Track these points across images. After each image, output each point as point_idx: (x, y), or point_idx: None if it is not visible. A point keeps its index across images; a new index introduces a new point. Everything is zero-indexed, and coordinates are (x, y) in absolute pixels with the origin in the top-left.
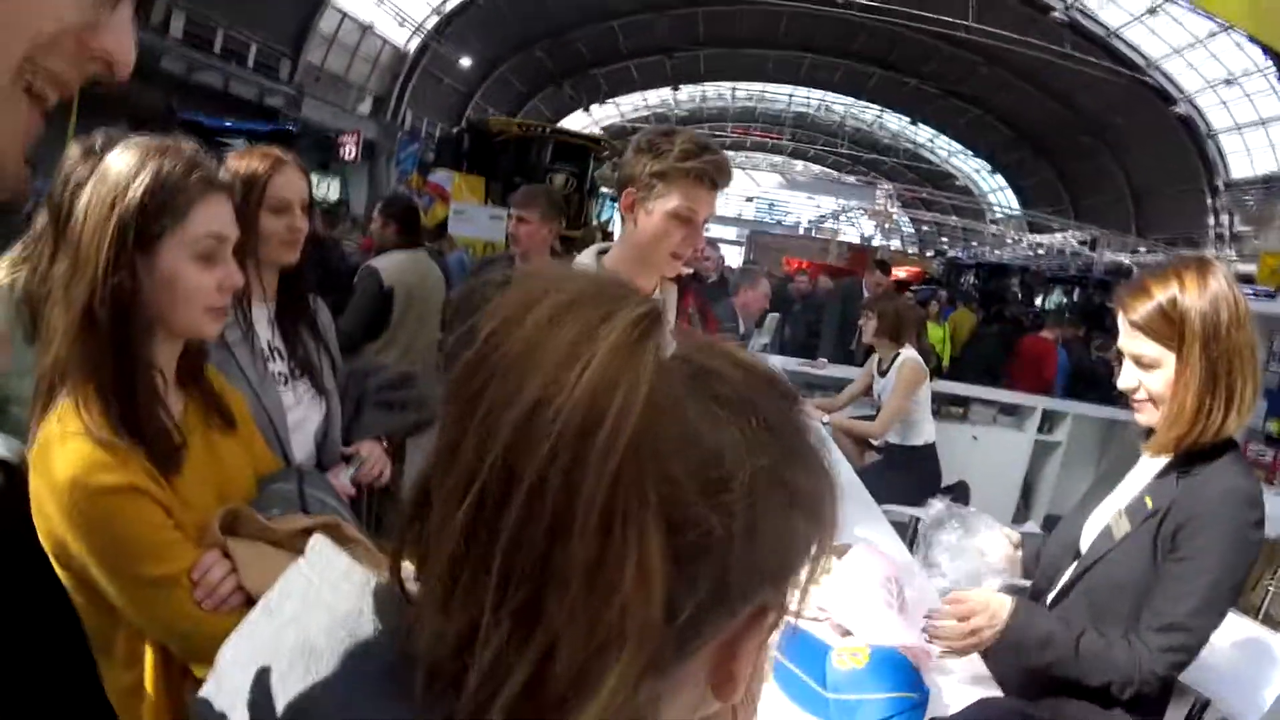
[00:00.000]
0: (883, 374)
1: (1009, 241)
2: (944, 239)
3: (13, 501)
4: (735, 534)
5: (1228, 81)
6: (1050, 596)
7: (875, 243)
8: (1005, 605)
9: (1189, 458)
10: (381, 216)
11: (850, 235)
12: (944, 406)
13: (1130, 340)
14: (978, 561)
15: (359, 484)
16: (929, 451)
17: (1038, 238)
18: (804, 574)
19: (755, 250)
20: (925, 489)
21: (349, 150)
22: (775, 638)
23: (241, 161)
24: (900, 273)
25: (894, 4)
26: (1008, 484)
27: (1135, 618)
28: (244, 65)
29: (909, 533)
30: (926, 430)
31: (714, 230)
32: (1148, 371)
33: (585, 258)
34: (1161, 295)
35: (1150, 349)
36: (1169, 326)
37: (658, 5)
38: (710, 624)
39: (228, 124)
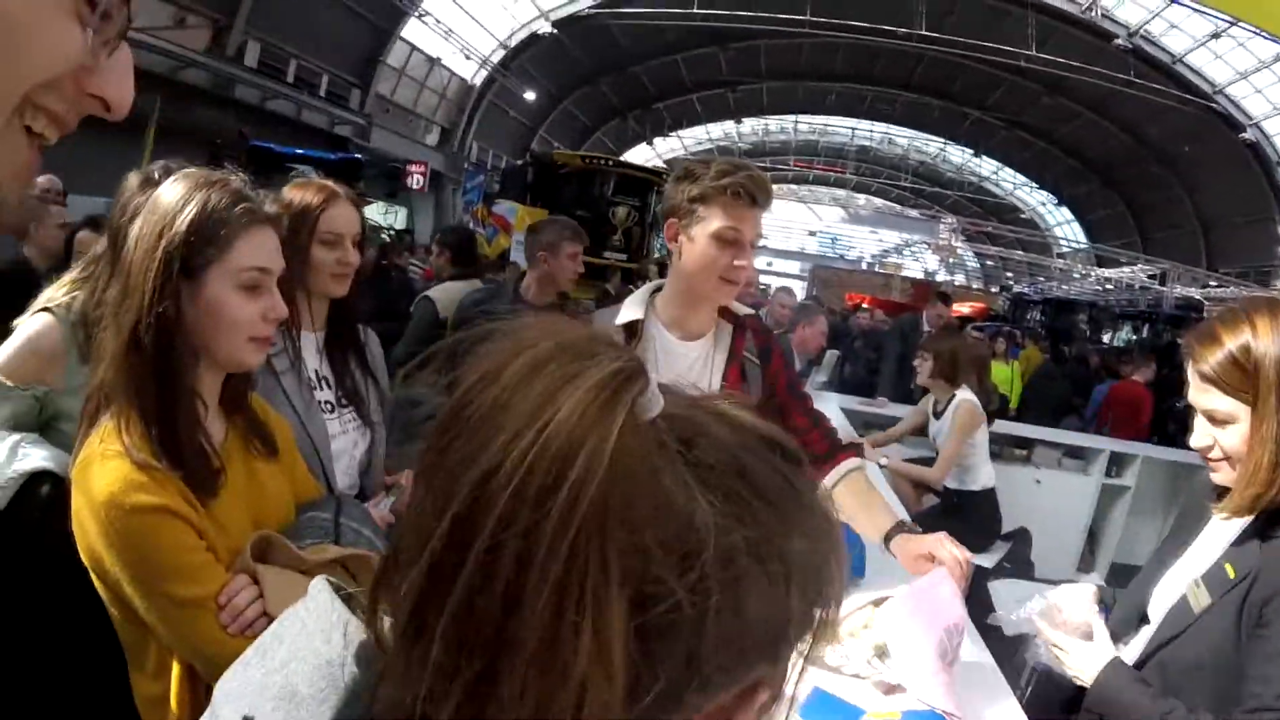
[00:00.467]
0: (938, 415)
1: (1076, 276)
2: (1009, 274)
3: (59, 512)
4: (711, 609)
5: None
6: None
7: (939, 278)
8: (1100, 658)
9: (1271, 519)
10: (438, 247)
11: (914, 270)
12: (1006, 448)
13: (1202, 395)
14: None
15: (398, 514)
16: (988, 496)
17: (1106, 272)
18: (806, 645)
19: (817, 285)
20: (984, 535)
21: (416, 180)
22: (783, 712)
23: (296, 194)
24: (964, 309)
25: (954, 34)
26: (1073, 530)
27: (1214, 699)
28: (315, 94)
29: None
30: (984, 475)
31: (776, 264)
32: (1222, 428)
33: (638, 297)
34: (1232, 343)
35: (1223, 404)
36: (1242, 377)
37: (720, 38)
38: (685, 704)
39: (298, 151)
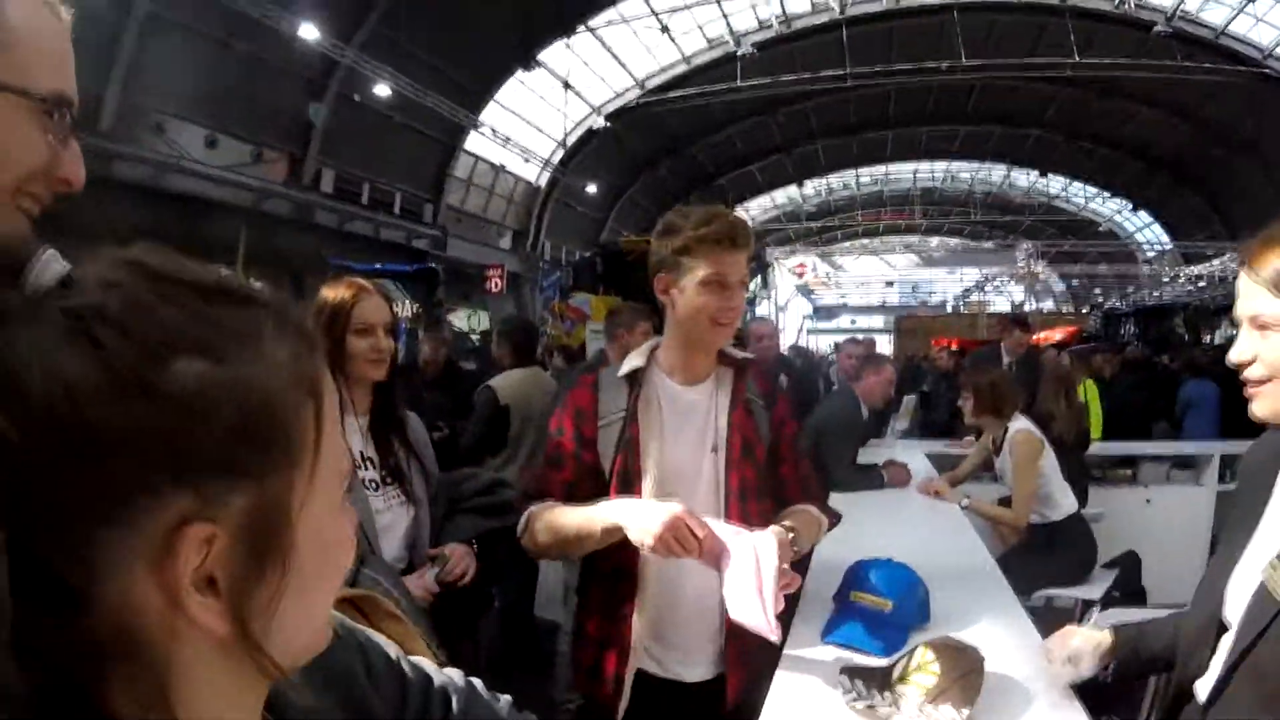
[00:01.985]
0: (998, 451)
1: (1166, 280)
2: (1097, 290)
3: None
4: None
5: None
6: (1205, 692)
7: (1026, 307)
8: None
9: None
10: (499, 339)
11: (1001, 304)
12: (1109, 470)
13: (1250, 300)
14: None
15: (443, 583)
16: (1075, 523)
17: (1196, 269)
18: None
19: (901, 335)
20: (1081, 566)
21: (494, 284)
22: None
23: (329, 293)
24: (1055, 334)
25: (998, 58)
26: (1194, 547)
27: None
28: (390, 212)
29: (1075, 616)
30: (1064, 502)
31: (860, 321)
32: (1266, 336)
33: (642, 350)
34: None
35: (1272, 306)
36: None
37: (768, 107)
38: (87, 561)
39: (376, 266)
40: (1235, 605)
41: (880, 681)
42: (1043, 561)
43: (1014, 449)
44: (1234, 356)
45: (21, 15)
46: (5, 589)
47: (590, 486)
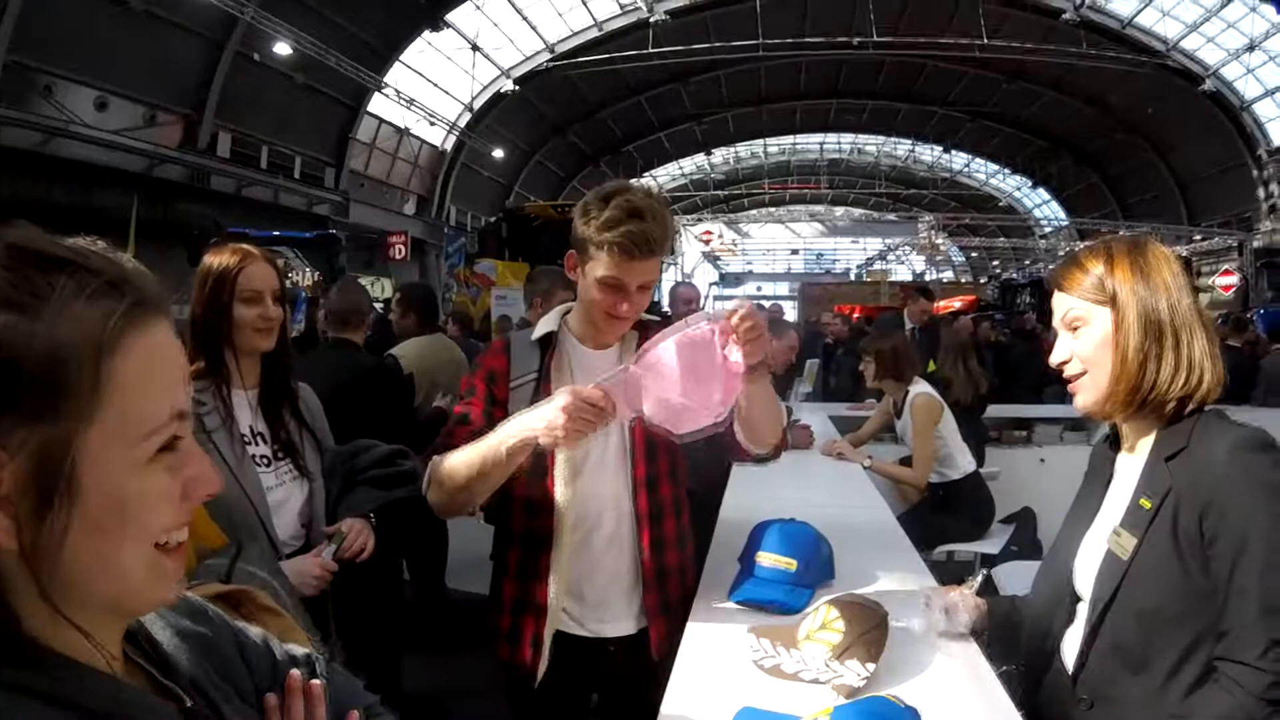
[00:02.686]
0: (899, 413)
1: (1060, 254)
2: (995, 262)
3: None
4: None
5: (1250, 48)
6: (1070, 661)
7: (927, 277)
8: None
9: (1164, 442)
10: (401, 306)
11: (902, 273)
12: (1005, 431)
13: (1060, 310)
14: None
15: (341, 560)
16: (974, 482)
17: (1090, 245)
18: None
19: (805, 302)
20: (979, 522)
21: (398, 250)
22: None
23: (215, 258)
24: (955, 303)
25: (908, 36)
26: None
27: (1190, 644)
28: (290, 177)
29: (975, 570)
30: (963, 462)
31: (766, 288)
32: (1076, 335)
33: (553, 314)
34: (1091, 261)
35: (1079, 307)
36: (1098, 284)
37: (680, 74)
38: None
39: (274, 233)
40: (1085, 576)
41: (787, 639)
42: (942, 519)
43: (914, 411)
44: (1054, 359)
45: None
46: None
47: None
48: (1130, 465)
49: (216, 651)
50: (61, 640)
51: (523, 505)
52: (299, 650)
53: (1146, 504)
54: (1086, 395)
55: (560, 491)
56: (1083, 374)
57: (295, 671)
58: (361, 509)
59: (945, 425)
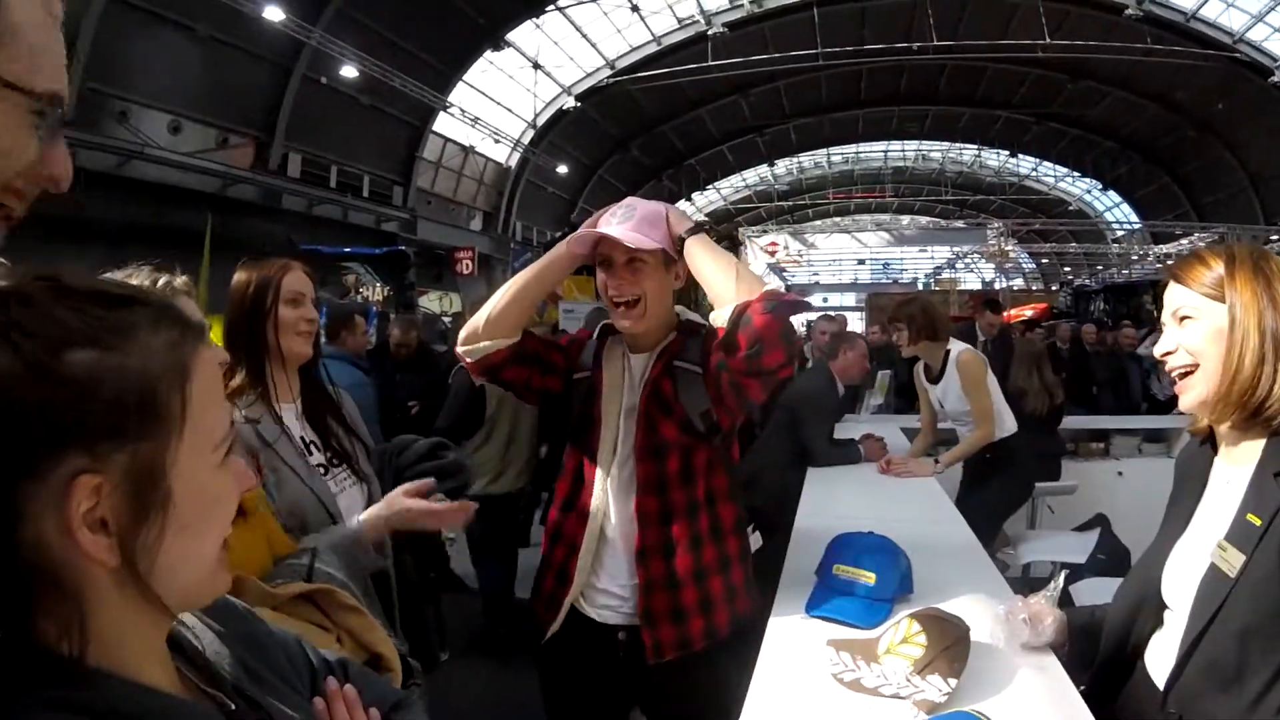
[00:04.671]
0: (936, 380)
1: (1135, 258)
2: (1066, 268)
3: None
4: None
5: None
6: (1158, 673)
7: (997, 285)
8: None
9: (1274, 452)
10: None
11: (971, 282)
12: (1082, 444)
13: (1172, 302)
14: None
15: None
16: (1018, 440)
17: (1164, 248)
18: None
19: (872, 313)
20: (1027, 481)
21: (465, 265)
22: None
23: (247, 273)
24: (1026, 311)
25: (969, 39)
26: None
27: None
28: (359, 196)
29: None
30: (1009, 420)
31: (832, 299)
32: (1184, 327)
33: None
34: (1211, 256)
35: (1191, 299)
36: (1216, 278)
37: (740, 86)
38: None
39: (345, 250)
40: (1174, 585)
41: (867, 653)
42: (986, 495)
43: (962, 368)
44: (1158, 351)
45: (22, 12)
46: None
47: (542, 366)
48: (1232, 475)
49: (258, 644)
50: (116, 658)
51: (571, 475)
52: (330, 654)
53: (1256, 520)
54: (1195, 392)
55: (599, 472)
56: (1192, 370)
57: (332, 678)
58: None
59: (991, 381)
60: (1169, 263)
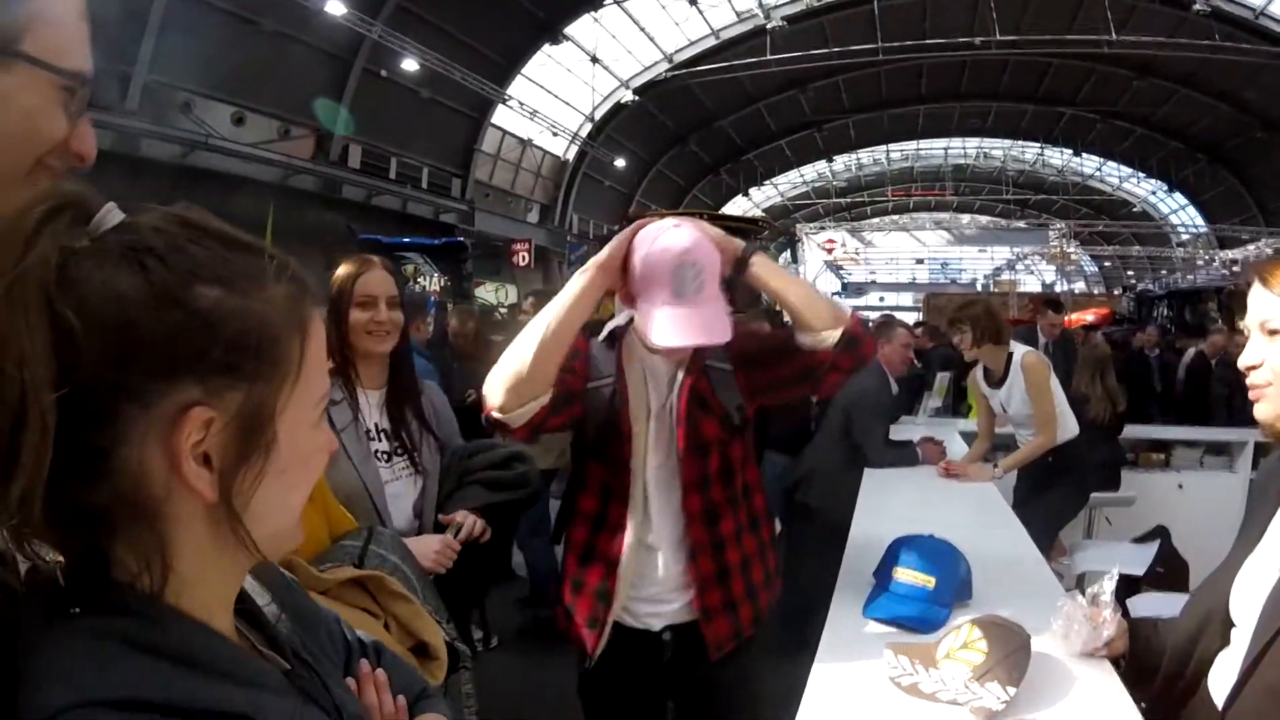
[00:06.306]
0: (997, 384)
1: (1200, 263)
2: (1129, 272)
3: None
4: (83, 331)
5: None
6: (1218, 691)
7: (1057, 287)
8: None
9: None
10: (534, 309)
11: (1030, 283)
12: (1142, 454)
13: (1260, 308)
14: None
15: (462, 540)
16: (1077, 445)
17: (1230, 253)
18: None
19: (929, 313)
20: (1085, 487)
21: (521, 257)
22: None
23: (340, 270)
24: (1087, 315)
25: (1032, 34)
26: (1225, 533)
27: None
28: (418, 187)
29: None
30: (1070, 424)
31: (889, 299)
32: (1274, 341)
33: (621, 316)
34: None
35: None
36: None
37: (799, 81)
38: (120, 416)
39: (404, 240)
40: (1242, 601)
41: (925, 658)
42: (1044, 501)
43: (1027, 371)
44: (1244, 361)
45: None
46: (50, 432)
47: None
48: None
49: (304, 616)
50: (190, 600)
51: (598, 489)
52: (366, 637)
53: None
54: (1268, 407)
55: (634, 481)
56: (1270, 384)
57: (365, 661)
58: (467, 506)
59: (1054, 384)
60: (1253, 262)
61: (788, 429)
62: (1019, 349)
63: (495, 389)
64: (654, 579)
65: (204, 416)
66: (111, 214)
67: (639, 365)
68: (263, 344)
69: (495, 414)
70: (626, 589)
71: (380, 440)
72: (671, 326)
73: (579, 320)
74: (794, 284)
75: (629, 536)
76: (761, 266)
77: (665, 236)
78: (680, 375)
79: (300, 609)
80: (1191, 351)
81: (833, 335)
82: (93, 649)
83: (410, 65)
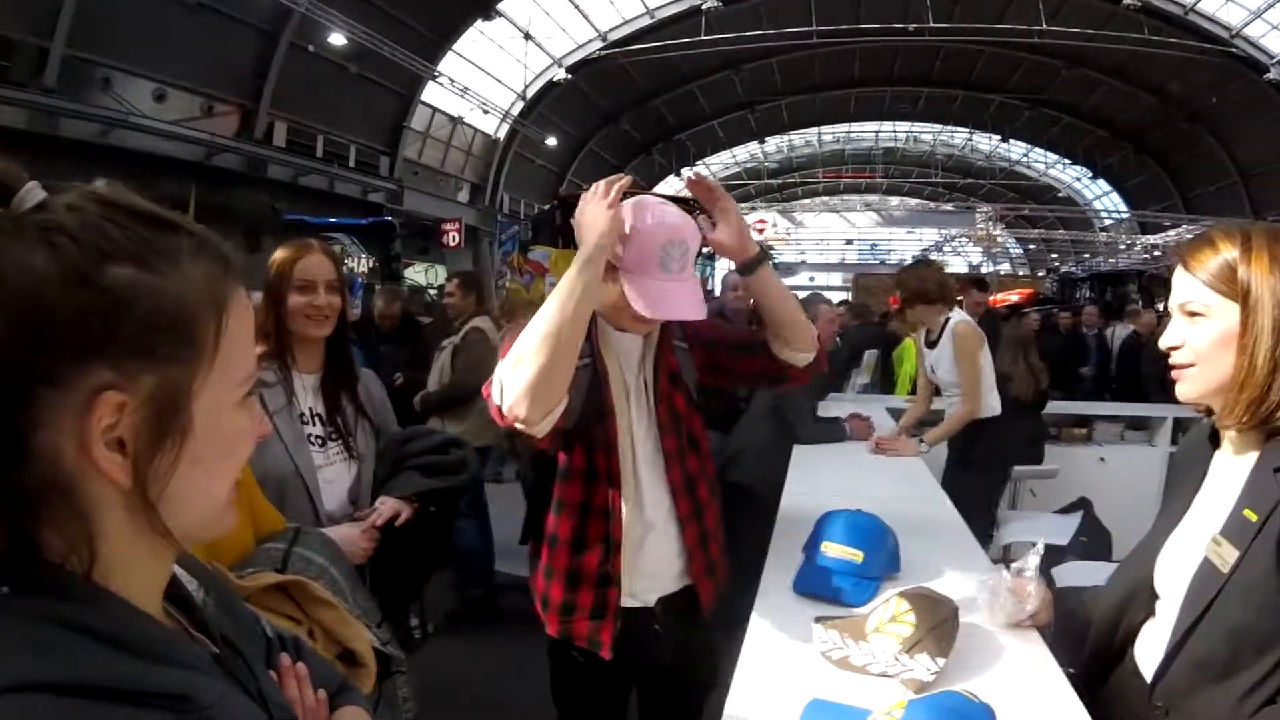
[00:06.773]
0: (931, 345)
1: (1122, 248)
2: (1054, 255)
3: None
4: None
5: None
6: (1146, 664)
7: (984, 269)
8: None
9: (1277, 449)
10: (461, 290)
11: (958, 265)
12: (1065, 429)
13: (1182, 291)
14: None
15: (378, 526)
16: (998, 421)
17: (1151, 239)
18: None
19: (859, 293)
20: (1003, 463)
21: (451, 237)
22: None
23: (280, 253)
24: (1011, 296)
25: (965, 22)
26: (1145, 504)
27: (1277, 662)
28: (345, 166)
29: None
30: (993, 401)
31: (819, 278)
32: (1194, 324)
33: None
34: (1226, 245)
35: (1203, 294)
36: (1231, 274)
37: (733, 62)
38: (39, 400)
39: (331, 220)
40: (1166, 575)
41: (855, 631)
42: (971, 475)
43: (956, 339)
44: (1165, 342)
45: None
46: None
47: None
48: (1230, 467)
49: (235, 609)
50: (119, 582)
51: (582, 474)
52: (285, 631)
53: (1252, 516)
54: (1190, 386)
55: (623, 459)
56: (1191, 365)
57: (285, 655)
58: (402, 492)
59: (984, 358)
60: (1175, 247)
61: (719, 406)
62: (956, 314)
63: (518, 403)
64: (653, 553)
65: (116, 400)
66: (32, 193)
67: (612, 345)
68: (177, 324)
69: (520, 426)
70: (629, 569)
71: (314, 425)
72: (668, 300)
73: (588, 315)
74: (790, 299)
75: (626, 515)
76: (767, 274)
77: (656, 212)
78: (650, 352)
79: (225, 597)
80: (1126, 331)
81: (807, 357)
82: (27, 630)
83: (338, 40)
